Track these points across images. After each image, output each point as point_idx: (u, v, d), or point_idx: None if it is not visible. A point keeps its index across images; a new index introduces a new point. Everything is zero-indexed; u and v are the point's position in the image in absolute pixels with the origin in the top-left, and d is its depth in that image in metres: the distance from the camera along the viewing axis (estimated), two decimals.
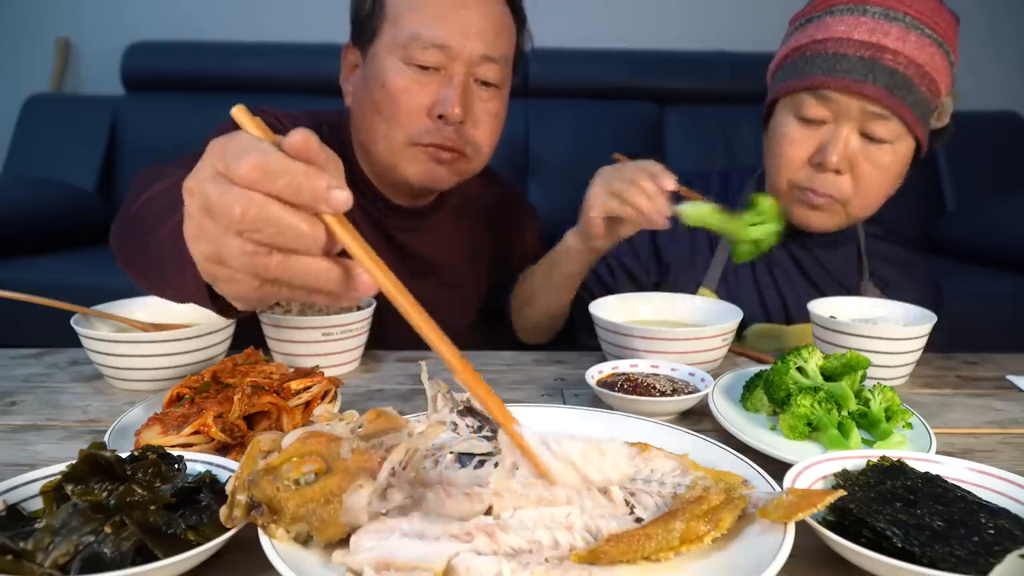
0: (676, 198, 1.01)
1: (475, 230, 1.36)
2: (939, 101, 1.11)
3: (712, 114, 3.02)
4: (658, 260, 1.32)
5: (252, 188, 0.50)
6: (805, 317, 1.24)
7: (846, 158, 1.10)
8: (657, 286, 1.30)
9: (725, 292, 1.26)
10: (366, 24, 1.13)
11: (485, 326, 1.37)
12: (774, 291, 1.27)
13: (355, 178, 1.23)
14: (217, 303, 0.69)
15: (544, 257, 1.20)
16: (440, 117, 1.09)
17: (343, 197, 0.51)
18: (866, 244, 1.28)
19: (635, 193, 0.98)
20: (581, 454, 0.58)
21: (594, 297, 1.29)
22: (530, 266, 1.24)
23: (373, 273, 0.52)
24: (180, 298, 0.77)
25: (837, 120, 1.10)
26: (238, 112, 0.53)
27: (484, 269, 1.36)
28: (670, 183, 0.98)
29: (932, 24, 1.07)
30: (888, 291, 1.24)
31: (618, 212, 1.00)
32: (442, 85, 1.09)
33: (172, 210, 0.72)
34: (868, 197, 1.14)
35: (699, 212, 0.99)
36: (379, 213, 1.25)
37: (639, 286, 1.30)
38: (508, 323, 1.31)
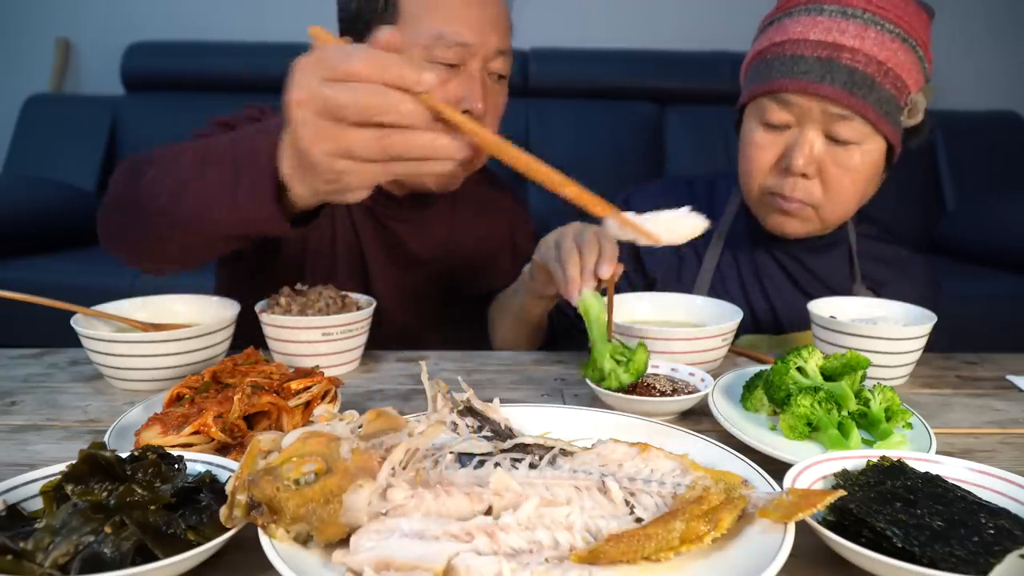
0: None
1: (469, 228, 1.37)
2: (908, 98, 1.08)
3: (712, 114, 3.02)
4: (643, 273, 1.31)
5: (368, 80, 0.59)
6: (795, 325, 1.24)
7: (812, 161, 1.08)
8: None
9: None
10: (375, 22, 1.15)
11: (477, 326, 1.38)
12: (763, 300, 1.26)
13: None
14: (279, 207, 0.74)
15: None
16: (464, 112, 1.11)
17: (431, 76, 0.59)
18: (858, 246, 1.26)
19: (571, 261, 0.93)
20: (666, 219, 0.71)
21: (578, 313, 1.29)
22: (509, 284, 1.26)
23: (473, 130, 0.61)
24: (230, 221, 0.79)
25: (800, 123, 1.09)
26: (317, 31, 0.64)
27: (476, 267, 1.37)
28: (607, 272, 0.93)
29: (895, 19, 1.05)
30: (882, 292, 1.23)
31: (551, 270, 0.97)
32: (462, 82, 1.11)
33: (206, 155, 0.80)
34: (840, 200, 1.12)
35: (587, 304, 0.90)
36: (376, 203, 1.26)
37: None
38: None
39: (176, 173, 0.82)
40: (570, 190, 0.65)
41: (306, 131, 0.63)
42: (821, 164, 1.09)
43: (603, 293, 0.96)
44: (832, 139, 1.08)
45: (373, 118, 0.60)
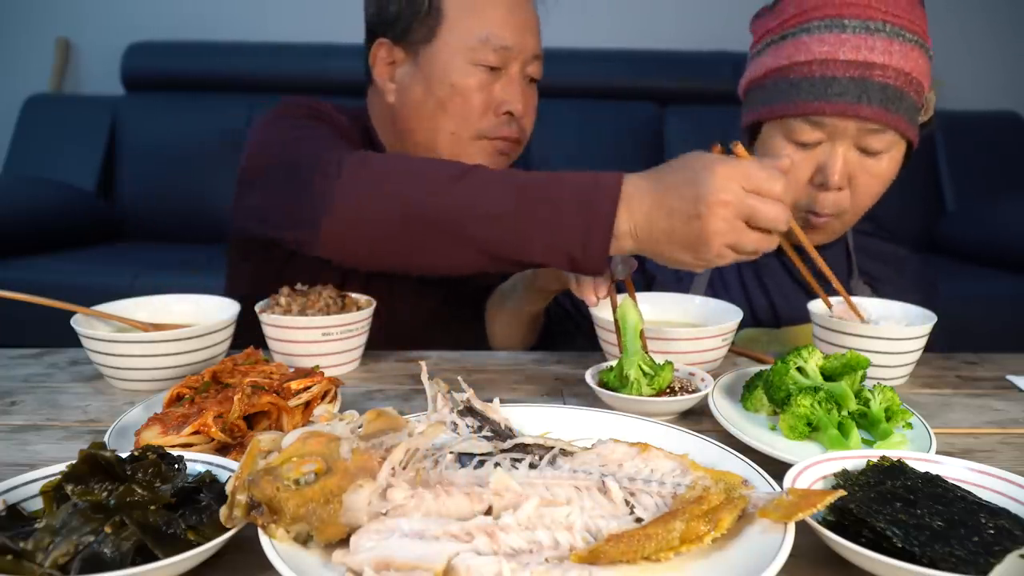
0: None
1: None
2: (924, 99, 1.11)
3: (712, 114, 3.02)
4: (642, 270, 1.30)
5: (781, 200, 0.79)
6: (793, 320, 1.24)
7: (846, 175, 1.10)
8: None
9: (713, 297, 1.25)
10: (416, 25, 1.18)
11: (479, 324, 1.38)
12: (762, 295, 1.26)
13: None
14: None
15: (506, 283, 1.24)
16: (506, 113, 1.20)
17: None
18: (855, 242, 1.27)
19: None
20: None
21: (579, 309, 1.29)
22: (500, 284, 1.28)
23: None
24: (548, 255, 0.86)
25: (832, 140, 1.09)
26: (740, 149, 0.83)
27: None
28: (623, 272, 0.96)
29: (910, 26, 1.06)
30: (878, 288, 1.23)
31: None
32: (505, 84, 1.19)
33: (528, 193, 0.87)
34: (864, 205, 1.14)
35: (626, 313, 0.91)
36: None
37: None
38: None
39: (488, 204, 0.86)
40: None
41: (719, 225, 0.78)
42: (852, 175, 1.11)
43: (619, 290, 0.98)
44: (863, 150, 1.09)
45: (767, 225, 0.79)
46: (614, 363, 0.90)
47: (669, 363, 0.88)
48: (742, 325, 1.21)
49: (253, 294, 1.06)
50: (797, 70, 1.10)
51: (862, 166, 1.10)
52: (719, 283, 1.27)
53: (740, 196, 0.77)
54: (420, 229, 0.89)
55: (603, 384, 0.90)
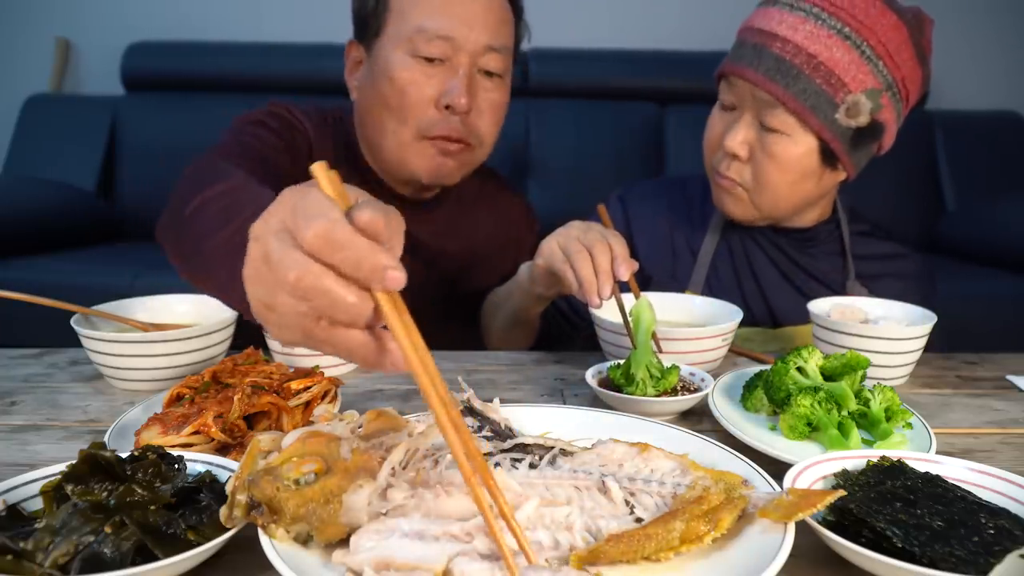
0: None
1: (477, 227, 1.37)
2: (846, 97, 1.07)
3: None
4: (639, 271, 1.30)
5: (313, 255, 0.49)
6: (789, 320, 1.24)
7: (744, 144, 1.12)
8: None
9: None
10: (371, 20, 1.15)
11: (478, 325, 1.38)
12: (758, 295, 1.26)
13: (359, 168, 1.24)
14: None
15: (507, 283, 1.22)
16: (447, 108, 1.11)
17: (399, 278, 0.49)
18: (851, 243, 1.27)
19: (584, 264, 0.92)
20: None
21: (576, 311, 1.29)
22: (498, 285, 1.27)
23: (406, 353, 0.53)
24: (229, 303, 0.73)
25: (740, 107, 1.13)
26: (318, 168, 0.52)
27: (484, 267, 1.37)
28: (626, 272, 0.93)
29: (845, 18, 1.05)
30: (875, 289, 1.23)
31: (559, 273, 0.96)
32: (448, 76, 1.11)
33: (225, 219, 0.72)
34: (768, 189, 1.13)
35: (640, 312, 0.91)
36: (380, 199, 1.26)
37: None
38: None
39: (196, 245, 0.77)
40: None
41: (250, 266, 0.54)
42: (752, 149, 1.13)
43: (623, 289, 0.98)
44: (765, 127, 1.11)
45: (312, 302, 0.50)
46: (622, 360, 0.90)
47: (675, 366, 0.89)
48: (739, 323, 1.21)
49: None
50: (737, 36, 1.16)
51: (761, 142, 1.12)
52: (715, 282, 1.27)
53: (267, 233, 0.52)
54: (180, 237, 0.84)
55: (609, 381, 0.90)
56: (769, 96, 1.08)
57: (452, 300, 1.34)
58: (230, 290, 0.66)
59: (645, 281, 1.29)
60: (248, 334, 1.04)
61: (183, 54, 3.11)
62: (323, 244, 0.48)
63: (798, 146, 1.10)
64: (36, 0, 3.24)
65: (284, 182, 0.61)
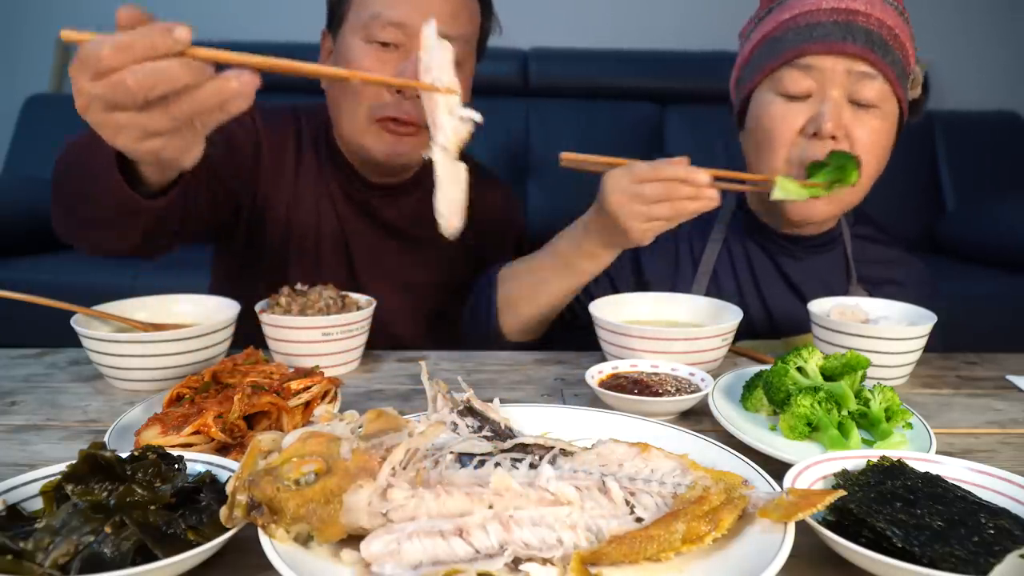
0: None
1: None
2: (911, 68, 1.10)
3: (712, 114, 3.02)
4: (639, 276, 1.28)
5: (123, 67, 0.58)
6: (792, 328, 1.22)
7: (841, 125, 1.07)
8: None
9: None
10: (336, 10, 1.21)
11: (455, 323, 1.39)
12: (759, 302, 1.25)
13: (336, 160, 1.29)
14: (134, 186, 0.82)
15: (532, 263, 1.16)
16: (399, 92, 1.15)
17: (185, 30, 0.58)
18: (853, 247, 1.26)
19: (681, 205, 0.97)
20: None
21: (578, 299, 1.25)
22: (513, 266, 1.20)
23: (259, 61, 0.61)
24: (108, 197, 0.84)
25: (823, 89, 1.08)
26: (68, 34, 0.63)
27: (463, 250, 1.36)
28: (705, 177, 0.96)
29: None
30: (877, 294, 1.22)
31: (668, 225, 0.99)
32: (401, 60, 1.14)
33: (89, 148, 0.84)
34: (864, 168, 1.09)
35: (786, 185, 1.02)
36: (358, 191, 1.29)
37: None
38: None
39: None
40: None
41: (107, 131, 0.66)
42: (848, 127, 1.08)
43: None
44: (854, 103, 1.07)
45: (153, 96, 0.59)
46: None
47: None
48: (740, 333, 1.19)
49: (232, 291, 1.08)
50: (782, 28, 1.10)
51: (856, 119, 1.08)
52: (714, 291, 1.25)
53: (87, 90, 0.66)
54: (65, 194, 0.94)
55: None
56: (868, 68, 1.05)
57: (432, 281, 1.35)
58: (102, 155, 0.79)
59: (644, 287, 1.27)
60: (248, 334, 1.04)
61: None
62: (121, 53, 0.59)
63: (889, 117, 1.09)
64: (36, 0, 3.24)
65: (218, 171, 0.80)
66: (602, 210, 1.02)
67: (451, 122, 0.75)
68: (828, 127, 1.06)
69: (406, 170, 1.28)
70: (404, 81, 0.87)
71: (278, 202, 1.27)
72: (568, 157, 1.03)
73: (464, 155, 1.28)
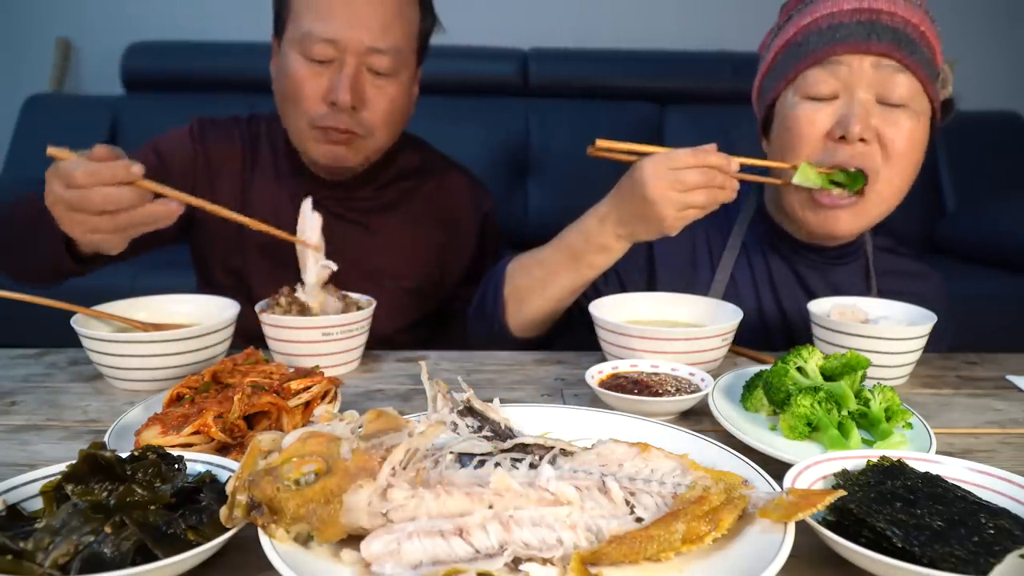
0: None
1: (416, 200, 1.42)
2: (940, 67, 1.08)
3: (712, 114, 3.02)
4: (651, 278, 1.26)
5: (89, 187, 0.87)
6: (809, 337, 1.19)
7: (870, 127, 1.04)
8: None
9: None
10: (278, 18, 1.26)
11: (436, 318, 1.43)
12: (777, 311, 1.23)
13: (292, 162, 1.36)
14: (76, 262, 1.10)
15: (540, 255, 1.14)
16: (333, 104, 1.20)
17: (139, 167, 0.88)
18: (875, 259, 1.23)
19: (714, 193, 0.98)
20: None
21: (576, 302, 1.24)
22: (522, 259, 1.17)
23: (178, 196, 0.91)
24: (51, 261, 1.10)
25: (849, 89, 1.05)
26: (54, 151, 0.89)
27: (423, 237, 1.41)
28: (736, 165, 0.98)
29: None
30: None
31: (699, 214, 1.00)
32: (334, 74, 1.19)
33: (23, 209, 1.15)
34: (897, 171, 1.07)
35: (807, 172, 1.03)
36: (313, 187, 1.32)
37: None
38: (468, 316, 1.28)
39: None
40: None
41: (64, 223, 0.92)
42: (877, 128, 1.04)
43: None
44: (884, 103, 1.05)
45: (106, 208, 0.88)
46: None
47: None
48: (756, 344, 1.17)
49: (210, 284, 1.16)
50: (804, 32, 1.09)
51: (886, 119, 1.04)
52: (733, 296, 1.22)
53: (59, 193, 0.89)
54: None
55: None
56: (897, 65, 1.03)
57: (397, 271, 1.37)
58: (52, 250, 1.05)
59: (655, 289, 1.25)
60: (248, 334, 1.04)
61: (183, 54, 3.11)
62: (88, 177, 0.87)
63: (921, 115, 1.06)
64: (37, 0, 3.24)
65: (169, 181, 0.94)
66: (633, 197, 1.00)
67: (315, 268, 1.02)
68: (856, 130, 1.02)
69: (350, 171, 1.32)
70: (286, 235, 1.02)
71: (224, 197, 1.33)
72: (601, 144, 1.03)
73: (431, 149, 1.43)
